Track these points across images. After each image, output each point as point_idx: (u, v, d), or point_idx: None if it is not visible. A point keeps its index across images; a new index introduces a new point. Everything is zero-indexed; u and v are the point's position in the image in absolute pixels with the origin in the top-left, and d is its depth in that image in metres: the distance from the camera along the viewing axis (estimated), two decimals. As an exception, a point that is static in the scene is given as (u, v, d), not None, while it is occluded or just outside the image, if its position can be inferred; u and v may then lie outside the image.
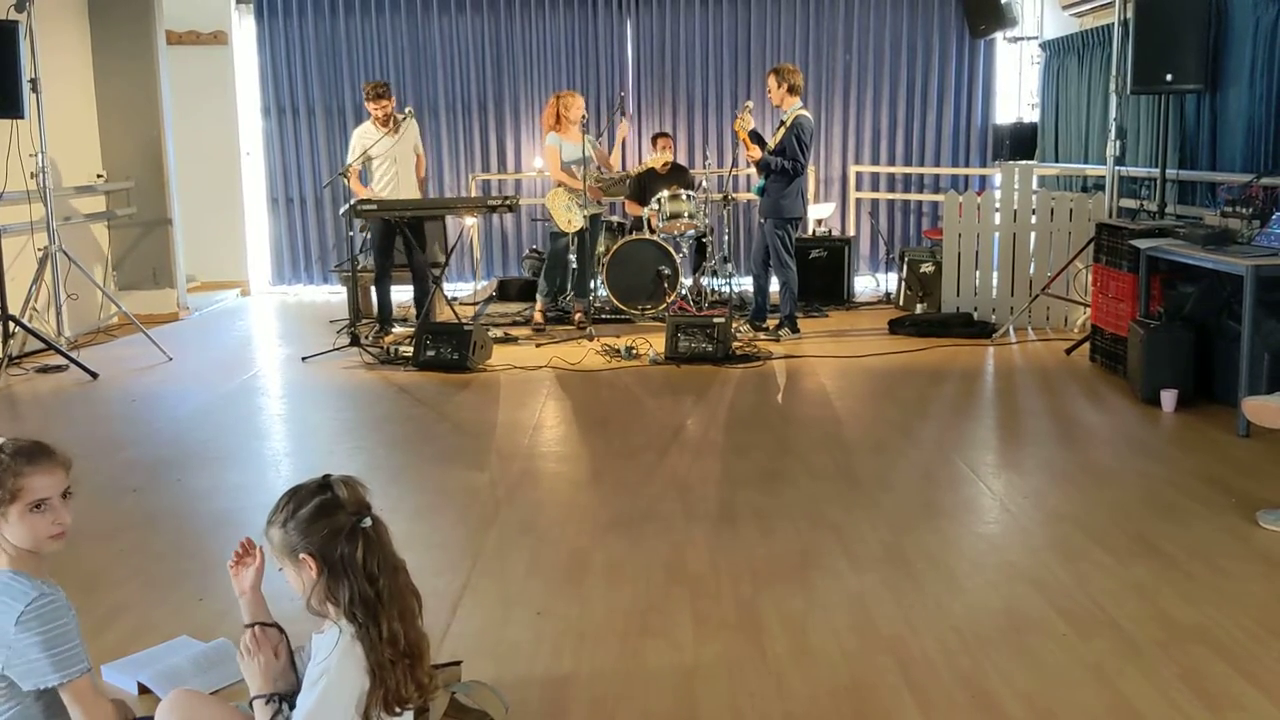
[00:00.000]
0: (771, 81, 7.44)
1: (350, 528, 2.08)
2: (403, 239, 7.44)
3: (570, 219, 7.77)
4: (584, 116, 7.75)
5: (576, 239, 7.81)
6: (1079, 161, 8.56)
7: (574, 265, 7.86)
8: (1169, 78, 6.32)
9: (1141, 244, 5.90)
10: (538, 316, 8.01)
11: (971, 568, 3.54)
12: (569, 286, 8.07)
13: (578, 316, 7.89)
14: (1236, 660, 2.84)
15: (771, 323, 7.72)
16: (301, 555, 2.06)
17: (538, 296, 8.14)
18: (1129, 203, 7.30)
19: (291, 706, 2.13)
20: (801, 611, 3.19)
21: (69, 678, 2.15)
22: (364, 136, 7.55)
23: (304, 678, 2.12)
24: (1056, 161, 8.99)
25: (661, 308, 7.99)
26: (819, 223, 9.58)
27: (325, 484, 2.12)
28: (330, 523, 2.07)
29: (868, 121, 10.23)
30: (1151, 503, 4.10)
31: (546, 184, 8.56)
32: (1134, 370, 5.71)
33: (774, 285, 7.80)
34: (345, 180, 7.60)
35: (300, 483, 2.16)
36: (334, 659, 2.04)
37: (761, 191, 7.50)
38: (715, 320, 6.86)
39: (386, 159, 7.55)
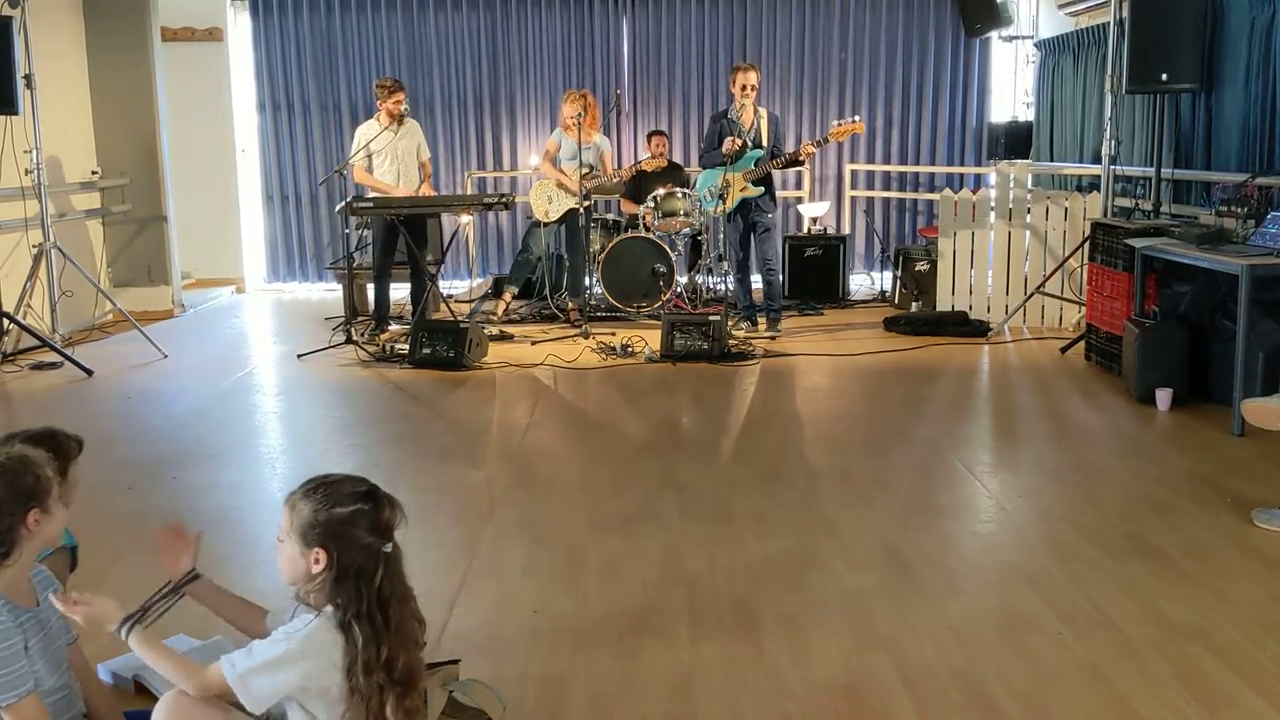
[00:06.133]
0: (754, 78, 7.47)
1: (374, 548, 2.06)
2: (404, 237, 7.46)
3: (547, 210, 8.03)
4: (578, 115, 7.78)
5: (559, 234, 8.01)
6: (1074, 161, 8.58)
7: (536, 256, 8.19)
8: (1164, 77, 6.33)
9: (1137, 243, 5.91)
10: (500, 306, 8.18)
11: (968, 567, 3.55)
12: (557, 282, 8.21)
13: (573, 314, 7.91)
14: (1232, 659, 2.84)
15: (762, 321, 7.74)
16: (316, 547, 2.04)
17: (506, 285, 8.35)
18: (1124, 202, 7.32)
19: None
20: (798, 610, 3.19)
21: (8, 701, 2.13)
22: (367, 133, 7.59)
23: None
24: (1051, 160, 9.01)
25: (657, 305, 7.99)
26: (815, 221, 9.59)
27: (370, 493, 2.09)
28: (359, 534, 2.05)
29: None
30: (1146, 502, 4.11)
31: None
32: (1129, 369, 5.72)
33: (756, 282, 7.86)
34: (341, 176, 7.61)
35: (345, 476, 2.12)
36: (303, 634, 2.03)
37: (762, 193, 7.49)
38: (711, 318, 6.86)
39: (389, 155, 7.58)
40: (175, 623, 3.09)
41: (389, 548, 2.09)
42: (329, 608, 2.05)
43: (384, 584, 2.06)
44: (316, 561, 2.04)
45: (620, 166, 8.75)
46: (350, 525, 2.04)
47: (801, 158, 7.37)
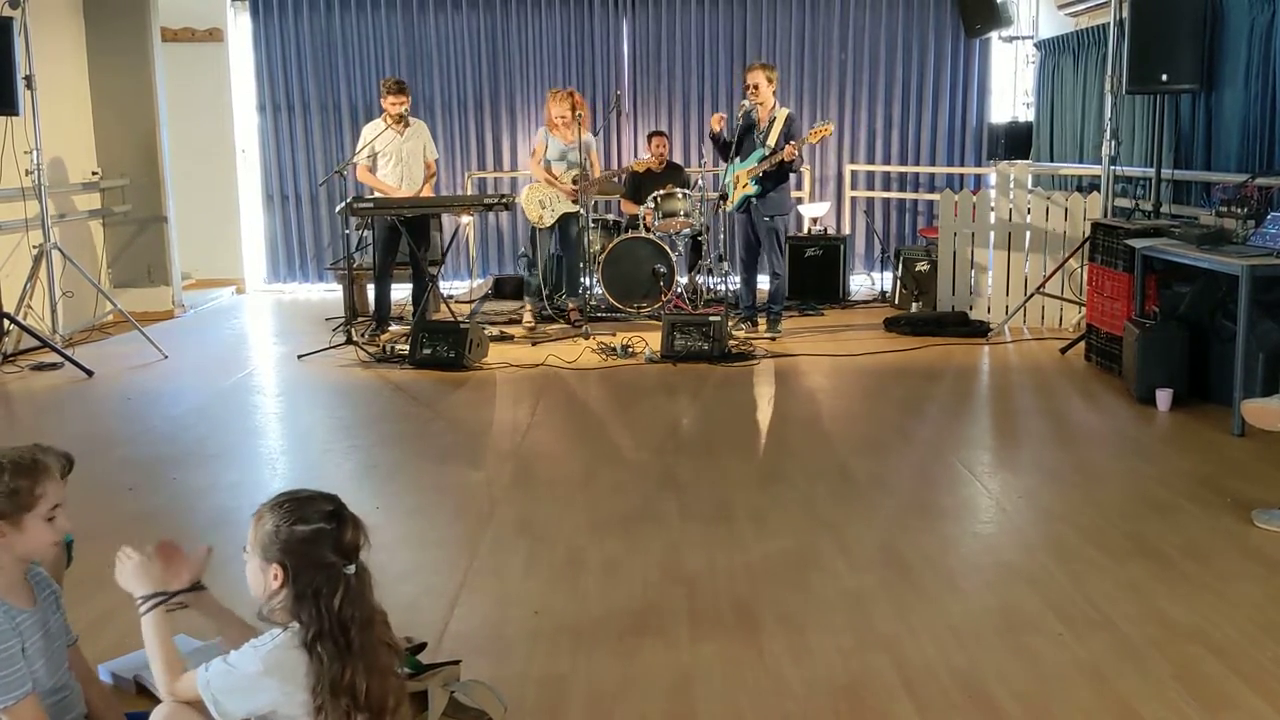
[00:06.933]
0: (762, 78, 7.42)
1: (335, 569, 2.02)
2: (406, 237, 7.45)
3: (541, 215, 7.86)
4: (565, 116, 7.73)
5: (555, 236, 7.89)
6: (1074, 161, 8.58)
7: (546, 259, 8.00)
8: (1164, 78, 6.33)
9: (1137, 244, 5.91)
10: (528, 317, 7.99)
11: (968, 567, 3.55)
12: (558, 283, 8.10)
13: (573, 314, 7.89)
14: (1232, 660, 2.85)
15: (762, 322, 7.74)
16: (275, 563, 2.02)
17: (526, 297, 8.15)
18: (1124, 202, 7.32)
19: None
20: (798, 611, 3.19)
21: (6, 703, 2.12)
22: (372, 132, 7.58)
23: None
24: (1051, 161, 9.01)
25: (657, 306, 7.99)
26: (815, 221, 9.59)
27: (336, 514, 2.06)
28: (319, 553, 2.01)
29: (863, 120, 10.23)
30: (1146, 502, 4.11)
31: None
32: (1129, 370, 5.72)
33: (762, 283, 7.83)
34: (341, 176, 7.61)
35: (314, 493, 2.10)
36: (266, 650, 2.01)
37: (761, 192, 7.48)
38: (711, 319, 6.86)
39: (393, 156, 7.57)
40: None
41: (351, 570, 2.04)
42: (294, 624, 2.02)
43: (344, 606, 2.02)
44: (275, 578, 2.02)
45: (608, 166, 8.61)
46: (309, 544, 2.01)
47: (786, 159, 7.33)
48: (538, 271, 8.05)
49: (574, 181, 7.78)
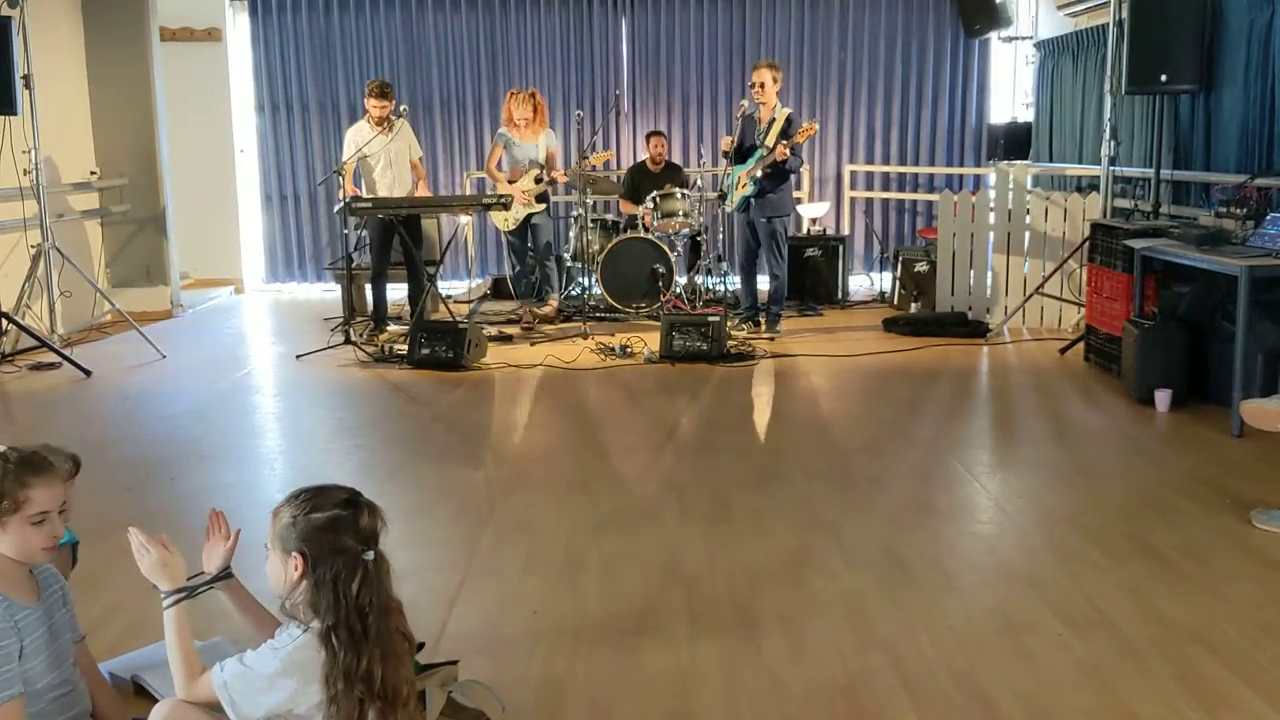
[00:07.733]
0: (768, 76, 7.39)
1: (353, 554, 2.04)
2: (400, 237, 7.43)
3: (505, 218, 7.91)
4: (528, 118, 7.76)
5: (529, 236, 7.97)
6: (1073, 161, 8.58)
7: (523, 260, 8.05)
8: (1164, 78, 6.33)
9: (1136, 244, 5.91)
10: (525, 320, 7.95)
11: (967, 568, 3.55)
12: (530, 284, 8.12)
13: (549, 307, 7.92)
14: (1231, 661, 2.84)
15: (761, 321, 7.74)
16: (294, 553, 2.04)
17: (518, 300, 8.18)
18: (1123, 203, 7.32)
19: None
20: (798, 611, 3.19)
21: None
22: (358, 136, 7.54)
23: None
24: (1051, 161, 9.01)
25: (656, 306, 7.99)
26: (814, 222, 9.58)
27: (352, 500, 2.08)
28: (336, 539, 2.03)
29: (862, 120, 10.23)
30: (1146, 503, 4.11)
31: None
32: (1128, 370, 5.72)
33: (763, 284, 7.83)
34: (340, 178, 7.58)
35: (330, 485, 2.12)
36: (287, 650, 2.03)
37: (759, 193, 7.47)
38: (710, 319, 6.86)
39: (381, 159, 7.54)
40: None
41: (370, 555, 2.06)
42: (315, 622, 2.04)
43: (362, 592, 2.03)
44: (296, 568, 2.04)
45: (568, 166, 8.48)
46: (327, 531, 2.03)
47: (778, 160, 7.31)
48: (523, 270, 8.09)
49: (535, 180, 7.78)
